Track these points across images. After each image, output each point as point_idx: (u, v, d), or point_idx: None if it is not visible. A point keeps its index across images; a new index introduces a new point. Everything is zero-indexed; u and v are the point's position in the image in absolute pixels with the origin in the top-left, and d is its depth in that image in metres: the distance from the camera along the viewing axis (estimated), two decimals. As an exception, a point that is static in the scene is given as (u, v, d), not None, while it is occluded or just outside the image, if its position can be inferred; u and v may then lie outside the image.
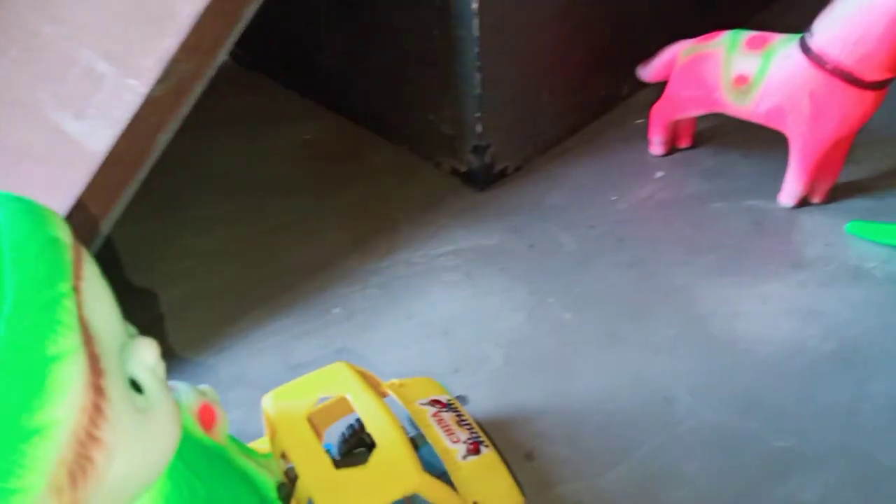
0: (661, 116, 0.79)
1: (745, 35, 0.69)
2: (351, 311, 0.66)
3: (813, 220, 0.72)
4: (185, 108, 0.58)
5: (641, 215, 0.75)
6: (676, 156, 0.83)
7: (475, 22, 0.66)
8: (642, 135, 0.83)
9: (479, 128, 0.74)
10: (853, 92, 0.63)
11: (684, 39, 0.75)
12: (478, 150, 0.76)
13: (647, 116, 0.81)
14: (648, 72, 0.80)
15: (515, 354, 0.61)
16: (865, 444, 0.53)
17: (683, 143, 0.83)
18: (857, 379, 0.57)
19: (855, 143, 0.81)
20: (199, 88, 0.58)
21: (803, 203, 0.74)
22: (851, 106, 0.64)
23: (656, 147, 0.82)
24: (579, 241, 0.72)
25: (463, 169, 0.79)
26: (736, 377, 0.58)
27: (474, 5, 0.66)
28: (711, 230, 0.72)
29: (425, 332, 0.64)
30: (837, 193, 0.75)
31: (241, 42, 0.61)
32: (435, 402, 0.50)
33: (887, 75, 0.62)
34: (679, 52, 0.75)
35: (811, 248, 0.69)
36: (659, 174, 0.80)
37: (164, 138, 0.58)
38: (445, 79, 0.73)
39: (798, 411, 0.55)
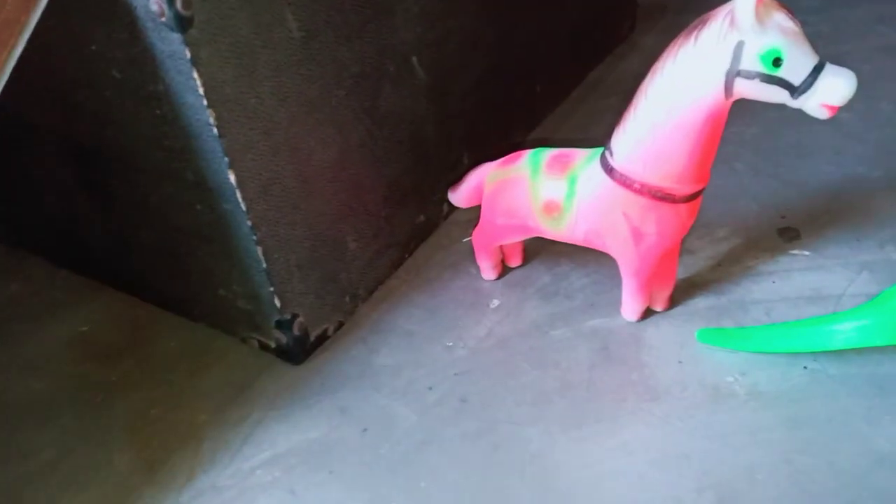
0: (482, 244, 0.71)
1: (547, 157, 0.63)
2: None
3: (660, 334, 0.66)
4: None
5: (482, 361, 0.66)
6: (510, 277, 0.75)
7: (238, 194, 0.56)
8: (473, 256, 0.75)
9: (277, 302, 0.62)
10: (667, 207, 0.58)
11: (488, 161, 0.69)
12: (283, 325, 0.64)
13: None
14: (458, 198, 0.72)
15: None
16: None
17: (515, 262, 0.75)
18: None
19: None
20: None
21: (647, 313, 0.68)
22: (668, 221, 0.59)
23: (487, 272, 0.74)
24: (419, 411, 0.62)
25: (273, 344, 0.67)
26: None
27: (232, 177, 0.55)
28: (558, 367, 0.64)
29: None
30: (680, 294, 0.70)
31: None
32: None
33: (697, 187, 0.58)
34: (485, 178, 0.68)
35: (665, 371, 0.63)
36: (495, 303, 0.72)
37: None
38: (225, 255, 0.61)
39: None
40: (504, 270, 0.75)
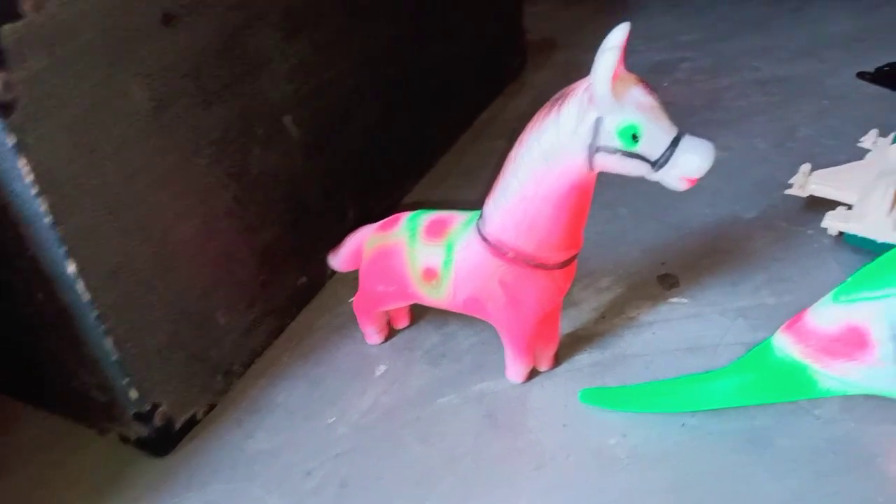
0: (363, 310, 0.69)
1: (425, 222, 0.62)
2: None
3: (546, 395, 0.66)
4: None
5: (365, 438, 0.63)
6: (398, 339, 0.73)
7: (80, 284, 0.51)
8: (357, 320, 0.72)
9: (133, 394, 0.57)
10: (542, 274, 0.57)
11: (367, 224, 0.67)
12: (142, 417, 0.59)
13: (354, 303, 0.71)
14: (338, 262, 0.70)
15: None
16: None
17: (401, 324, 0.73)
18: None
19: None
20: None
21: (533, 373, 0.68)
22: (544, 288, 0.58)
23: (372, 337, 0.71)
24: (295, 502, 0.59)
25: (133, 437, 0.62)
26: None
27: (72, 267, 0.50)
28: (444, 438, 0.62)
29: None
30: (565, 350, 0.70)
31: None
32: None
33: (570, 254, 0.57)
34: (363, 242, 0.66)
35: (550, 436, 0.62)
36: (381, 369, 0.70)
37: None
38: (73, 346, 0.56)
39: None
40: (391, 332, 0.73)
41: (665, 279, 0.77)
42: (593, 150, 0.49)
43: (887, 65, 1.15)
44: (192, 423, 0.64)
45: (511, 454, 0.61)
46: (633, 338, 0.71)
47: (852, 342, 0.49)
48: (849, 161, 0.83)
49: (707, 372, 0.59)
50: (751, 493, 0.56)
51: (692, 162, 0.48)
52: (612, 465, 0.59)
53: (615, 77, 0.47)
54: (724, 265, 0.78)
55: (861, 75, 1.13)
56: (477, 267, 0.58)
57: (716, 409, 0.61)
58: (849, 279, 0.52)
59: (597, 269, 0.79)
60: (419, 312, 0.74)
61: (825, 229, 0.77)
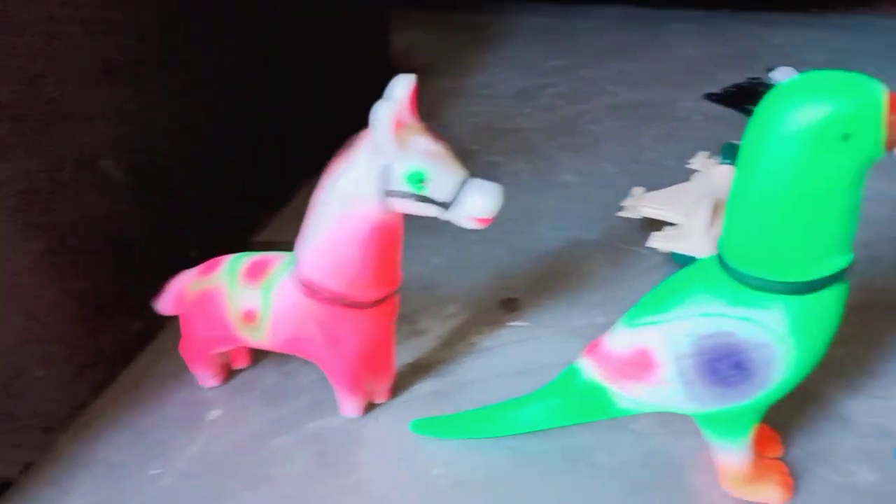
0: (190, 356, 0.68)
1: (244, 264, 0.61)
2: None
3: (380, 428, 0.66)
4: None
5: (188, 489, 0.61)
6: (235, 381, 0.72)
7: None
8: (194, 364, 0.71)
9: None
10: (359, 314, 0.57)
11: (188, 269, 0.66)
12: (-59, 484, 0.56)
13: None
14: (164, 307, 0.68)
15: None
16: None
17: (241, 364, 0.72)
18: None
19: (416, 308, 0.78)
20: None
21: (371, 406, 0.68)
22: (364, 326, 0.58)
23: (206, 381, 0.70)
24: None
25: (-66, 506, 0.58)
26: None
27: None
28: (273, 482, 0.61)
29: None
30: (405, 380, 0.70)
31: None
32: None
33: (387, 291, 0.58)
34: (186, 287, 0.65)
35: (381, 471, 0.62)
36: (214, 413, 0.68)
37: None
38: None
39: None
40: (229, 373, 0.72)
41: (507, 303, 0.79)
42: (385, 194, 0.50)
43: (733, 85, 1.23)
44: (5, 486, 0.60)
45: (341, 493, 0.60)
46: (471, 364, 0.72)
47: (641, 364, 0.52)
48: (683, 181, 0.88)
49: (523, 396, 0.61)
50: (565, 514, 0.58)
51: (479, 203, 0.50)
52: (436, 496, 0.59)
53: (400, 126, 0.49)
54: (563, 287, 0.81)
55: (709, 96, 1.21)
56: (293, 308, 0.58)
57: (541, 431, 0.63)
58: (637, 304, 0.54)
59: (444, 296, 0.81)
60: (260, 351, 0.74)
61: (657, 248, 0.81)
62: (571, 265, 0.84)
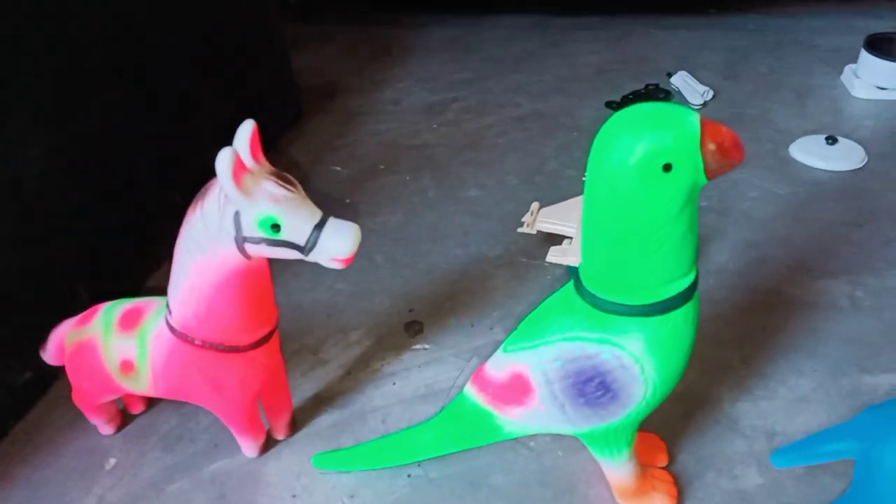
0: (82, 404, 0.66)
1: (119, 311, 0.60)
2: None
3: (280, 466, 0.65)
4: None
5: (84, 544, 0.60)
6: (132, 427, 0.70)
7: None
8: (90, 412, 0.69)
9: None
10: (238, 357, 0.57)
11: (68, 319, 0.64)
12: None
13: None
14: (48, 357, 0.66)
15: None
16: None
17: (137, 409, 0.71)
18: None
19: (319, 338, 0.78)
20: None
21: (272, 443, 0.67)
22: (245, 369, 0.58)
23: (103, 429, 0.68)
24: None
25: None
26: None
27: None
28: (170, 530, 0.61)
29: None
30: (306, 414, 0.70)
31: None
32: None
33: (262, 332, 0.58)
34: (64, 338, 0.63)
35: (279, 510, 0.62)
36: (111, 462, 0.67)
37: None
38: None
39: None
40: (125, 419, 0.70)
41: (411, 326, 0.80)
42: (240, 241, 0.50)
43: (631, 93, 1.27)
44: None
45: (237, 536, 0.60)
46: (373, 392, 0.72)
47: (518, 388, 0.53)
48: (581, 193, 0.90)
49: (418, 424, 0.61)
50: (461, 539, 0.59)
51: (337, 245, 0.50)
52: (335, 531, 0.60)
53: (245, 172, 0.48)
54: (465, 306, 0.82)
55: (609, 104, 1.24)
56: (170, 356, 0.57)
57: (441, 456, 0.64)
58: (515, 329, 0.56)
59: (347, 323, 0.81)
60: (159, 394, 0.72)
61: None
62: (475, 283, 0.85)
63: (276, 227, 0.49)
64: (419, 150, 1.13)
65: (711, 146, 0.43)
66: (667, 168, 0.43)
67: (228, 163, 0.46)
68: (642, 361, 0.48)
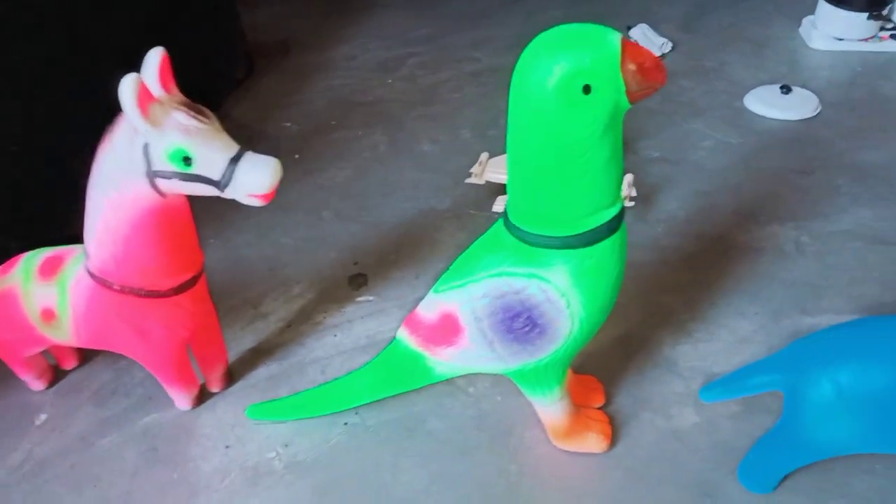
0: (9, 358, 0.64)
1: (39, 260, 0.58)
2: None
3: (215, 418, 0.64)
4: None
5: (10, 496, 0.58)
6: (64, 382, 0.68)
7: None
8: (20, 368, 0.67)
9: None
10: (161, 302, 0.55)
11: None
12: None
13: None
14: (-30, 311, 0.64)
15: None
16: None
17: (69, 364, 0.69)
18: None
19: (260, 292, 0.76)
20: None
21: (206, 396, 0.66)
22: (170, 314, 0.56)
23: (33, 384, 0.66)
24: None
25: None
26: None
27: None
28: (98, 483, 0.59)
29: None
30: (243, 367, 0.69)
31: None
32: None
33: (185, 277, 0.56)
34: (-17, 289, 0.61)
35: (210, 461, 0.60)
36: (41, 418, 0.65)
37: None
38: None
39: None
40: (57, 375, 0.68)
41: (355, 279, 0.78)
42: (151, 176, 0.48)
43: (592, 47, 1.25)
44: None
45: (166, 488, 0.58)
46: (314, 344, 0.71)
47: (447, 328, 0.52)
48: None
49: (353, 371, 0.60)
50: (394, 483, 0.58)
51: (254, 180, 0.48)
52: (266, 479, 0.58)
53: (152, 101, 0.46)
54: (411, 258, 0.81)
55: (568, 59, 1.22)
56: (90, 303, 0.55)
57: (379, 402, 0.63)
58: (446, 270, 0.54)
59: (290, 277, 0.79)
60: (91, 349, 0.70)
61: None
62: (422, 236, 0.84)
63: (187, 160, 0.47)
64: (372, 105, 1.11)
65: (632, 66, 0.42)
66: (587, 90, 0.41)
67: (132, 90, 0.44)
68: (568, 295, 0.47)
